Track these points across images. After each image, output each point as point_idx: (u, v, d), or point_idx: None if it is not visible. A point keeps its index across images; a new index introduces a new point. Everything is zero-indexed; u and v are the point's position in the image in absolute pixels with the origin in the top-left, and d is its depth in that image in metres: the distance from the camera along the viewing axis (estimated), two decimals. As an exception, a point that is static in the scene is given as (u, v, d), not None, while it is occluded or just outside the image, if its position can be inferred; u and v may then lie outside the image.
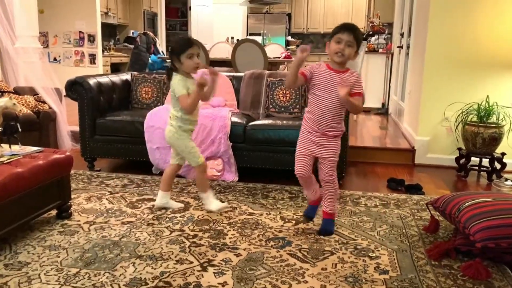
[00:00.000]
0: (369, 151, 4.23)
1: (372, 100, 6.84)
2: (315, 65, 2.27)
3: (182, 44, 2.52)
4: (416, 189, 3.28)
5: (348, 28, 2.20)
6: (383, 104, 6.96)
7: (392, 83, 6.80)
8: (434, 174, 3.80)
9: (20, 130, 2.55)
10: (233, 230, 2.46)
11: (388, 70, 6.96)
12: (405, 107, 5.19)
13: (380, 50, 7.16)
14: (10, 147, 2.51)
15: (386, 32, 7.54)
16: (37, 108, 3.99)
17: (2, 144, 2.46)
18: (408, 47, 5.50)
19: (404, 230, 2.51)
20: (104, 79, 3.81)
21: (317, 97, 2.24)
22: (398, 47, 6.45)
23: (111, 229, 2.45)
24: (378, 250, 2.25)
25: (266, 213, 2.71)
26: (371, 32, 7.67)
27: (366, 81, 6.83)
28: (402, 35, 6.23)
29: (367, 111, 6.77)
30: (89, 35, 7.93)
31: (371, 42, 7.39)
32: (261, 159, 3.38)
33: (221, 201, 2.83)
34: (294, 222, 2.59)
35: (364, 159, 4.17)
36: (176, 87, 2.53)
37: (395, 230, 2.52)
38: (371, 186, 3.42)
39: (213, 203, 2.70)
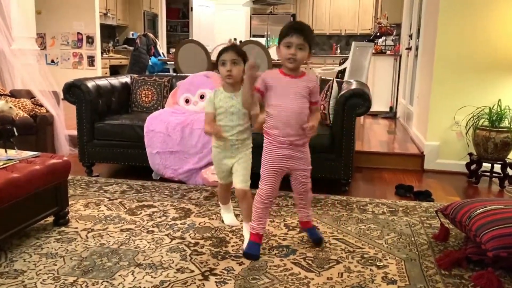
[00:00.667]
0: (376, 156, 4.23)
1: (380, 104, 6.84)
2: (267, 74, 2.15)
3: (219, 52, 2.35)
4: (425, 195, 3.28)
5: (296, 29, 2.06)
6: (391, 108, 6.96)
7: (400, 86, 6.80)
8: (444, 180, 3.79)
9: (16, 134, 2.57)
10: (236, 237, 2.46)
11: (396, 73, 6.96)
12: (413, 110, 5.19)
13: (388, 52, 7.17)
14: (6, 151, 2.53)
15: (394, 33, 7.55)
16: (34, 112, 4.01)
17: (-2, 149, 2.47)
18: (417, 49, 5.51)
19: (413, 238, 2.51)
20: (103, 82, 3.83)
21: (277, 107, 2.12)
22: (406, 48, 6.45)
23: (110, 236, 2.45)
24: (386, 259, 2.24)
25: (270, 221, 2.71)
26: (378, 34, 7.69)
27: (373, 84, 6.83)
28: (410, 36, 6.24)
29: (375, 115, 6.77)
30: (88, 37, 7.98)
31: (378, 44, 7.40)
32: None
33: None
34: (298, 230, 2.59)
35: (371, 164, 4.17)
36: (205, 104, 2.49)
37: (404, 238, 2.51)
38: (379, 193, 3.42)
39: (227, 216, 2.69)
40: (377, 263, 2.20)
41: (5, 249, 2.25)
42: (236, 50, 2.30)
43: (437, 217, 2.67)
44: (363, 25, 10.73)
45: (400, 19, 7.51)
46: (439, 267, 2.16)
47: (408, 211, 2.96)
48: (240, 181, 2.35)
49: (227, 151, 2.37)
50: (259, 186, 2.25)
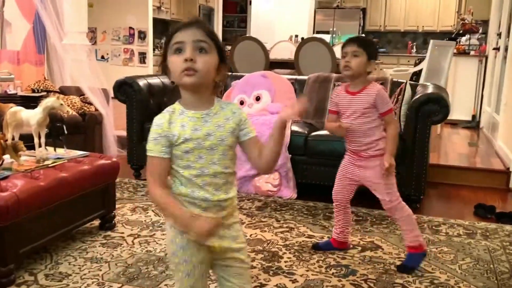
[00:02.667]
0: (454, 171, 4.14)
1: (460, 111, 6.66)
2: (334, 92, 2.46)
3: None
4: (509, 217, 3.18)
5: (350, 40, 2.34)
6: (473, 117, 6.76)
7: (485, 92, 6.60)
8: (533, 202, 3.66)
9: (66, 132, 2.75)
10: (289, 253, 2.51)
11: (481, 76, 6.76)
12: (500, 120, 5.03)
13: (472, 53, 6.97)
14: (55, 150, 2.72)
15: (480, 31, 7.33)
16: (82, 110, 4.26)
17: (47, 147, 2.66)
18: (506, 49, 5.34)
19: (492, 266, 2.45)
20: (154, 80, 4.01)
21: (343, 119, 2.39)
22: (494, 49, 6.27)
23: (157, 243, 2.58)
24: (459, 287, 2.21)
25: (328, 237, 2.73)
26: (461, 31, 7.50)
27: (454, 88, 6.67)
28: (499, 35, 6.06)
29: (454, 123, 6.61)
30: (140, 32, 8.32)
31: (461, 43, 7.22)
32: (324, 174, 3.40)
33: (277, 220, 2.87)
34: (360, 248, 2.60)
35: (448, 180, 4.08)
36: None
37: (481, 264, 2.46)
38: (455, 212, 3.35)
39: None
40: (449, 291, 2.17)
41: (51, 251, 2.43)
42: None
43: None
44: (444, 21, 10.47)
45: (487, 15, 7.30)
46: (521, 300, 2.10)
47: (488, 234, 2.88)
48: None
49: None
50: None
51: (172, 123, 1.32)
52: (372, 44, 2.40)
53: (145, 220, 2.91)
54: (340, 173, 2.47)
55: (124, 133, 4.06)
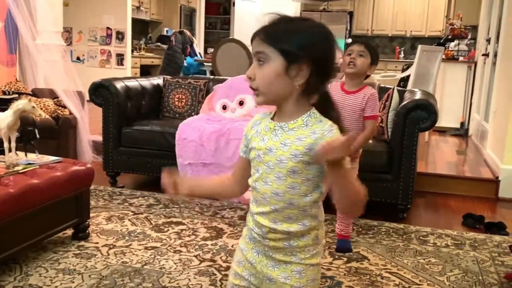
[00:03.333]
0: (442, 179, 4.18)
1: (449, 119, 6.73)
2: (329, 88, 2.49)
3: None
4: (498, 228, 3.21)
5: (358, 40, 2.59)
6: (462, 124, 6.84)
7: (474, 99, 6.69)
8: (522, 212, 3.71)
9: (38, 136, 2.72)
10: (273, 264, 2.50)
11: (470, 83, 6.85)
12: (489, 128, 5.10)
13: (461, 58, 7.07)
14: (26, 155, 2.68)
15: (469, 36, 7.44)
16: (56, 113, 4.21)
17: (18, 152, 2.62)
18: (495, 55, 5.42)
19: (480, 277, 2.47)
20: (132, 83, 3.99)
21: None
22: (483, 55, 6.35)
23: (133, 254, 2.55)
24: (447, 299, 2.22)
25: (313, 247, 2.73)
26: (450, 36, 7.59)
27: (442, 95, 6.74)
28: (488, 41, 6.15)
29: (442, 131, 6.68)
30: (118, 32, 8.29)
31: (449, 49, 7.31)
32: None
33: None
34: (345, 259, 2.60)
35: (436, 189, 4.12)
36: None
37: (470, 276, 2.48)
38: (443, 222, 3.38)
39: None
40: (437, 303, 2.18)
41: (20, 262, 2.39)
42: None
43: (511, 254, 2.62)
44: (432, 26, 10.62)
45: (476, 20, 7.41)
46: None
47: (476, 245, 2.91)
48: None
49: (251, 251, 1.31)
50: None
51: (254, 126, 1.28)
52: (376, 50, 2.59)
53: (121, 230, 2.89)
54: None
55: (99, 138, 4.03)
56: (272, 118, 1.24)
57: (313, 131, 1.16)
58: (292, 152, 1.16)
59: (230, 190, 1.37)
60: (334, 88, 2.51)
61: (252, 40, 1.21)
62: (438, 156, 5.06)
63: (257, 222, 1.24)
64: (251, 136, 1.26)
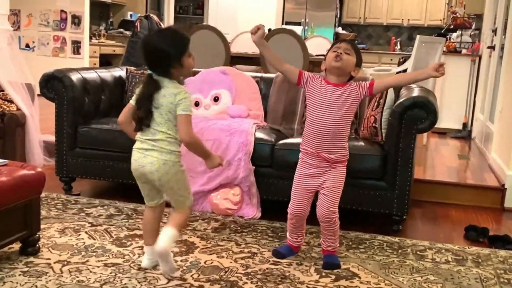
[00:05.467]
0: (442, 187, 4.22)
1: (450, 119, 6.81)
2: (314, 76, 2.72)
3: (184, 39, 2.66)
4: (504, 242, 3.25)
5: (345, 39, 2.91)
6: (464, 125, 6.93)
7: (478, 97, 6.77)
8: (531, 224, 3.77)
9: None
10: (251, 282, 2.51)
11: (473, 79, 6.94)
12: (494, 130, 5.16)
13: (464, 51, 7.15)
14: (-34, 157, 2.64)
15: (473, 27, 7.54)
16: (1, 109, 4.16)
17: (-43, 153, 2.59)
18: (502, 48, 5.49)
19: (484, 297, 2.51)
20: (90, 75, 3.95)
21: (312, 113, 2.65)
22: (488, 47, 6.44)
23: (90, 272, 2.53)
24: (447, 322, 2.25)
25: (297, 263, 2.74)
26: (452, 26, 7.69)
27: (443, 92, 6.82)
28: (494, 31, 6.22)
29: (442, 133, 6.75)
30: (74, 16, 8.21)
31: (451, 40, 7.40)
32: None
33: (237, 243, 2.87)
34: (333, 277, 2.62)
35: (435, 198, 4.16)
36: (187, 102, 2.48)
37: (472, 296, 2.51)
38: (443, 235, 3.42)
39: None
40: (435, 327, 2.21)
41: (-41, 281, 2.35)
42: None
43: (518, 271, 2.66)
44: (433, 15, 10.74)
45: (481, 8, 7.50)
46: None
47: (480, 261, 2.95)
48: None
49: None
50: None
51: None
52: (360, 53, 2.73)
53: (76, 244, 2.86)
54: (301, 183, 2.73)
55: (52, 138, 3.98)
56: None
57: None
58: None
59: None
60: (318, 80, 2.67)
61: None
62: (438, 161, 5.11)
63: None
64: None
